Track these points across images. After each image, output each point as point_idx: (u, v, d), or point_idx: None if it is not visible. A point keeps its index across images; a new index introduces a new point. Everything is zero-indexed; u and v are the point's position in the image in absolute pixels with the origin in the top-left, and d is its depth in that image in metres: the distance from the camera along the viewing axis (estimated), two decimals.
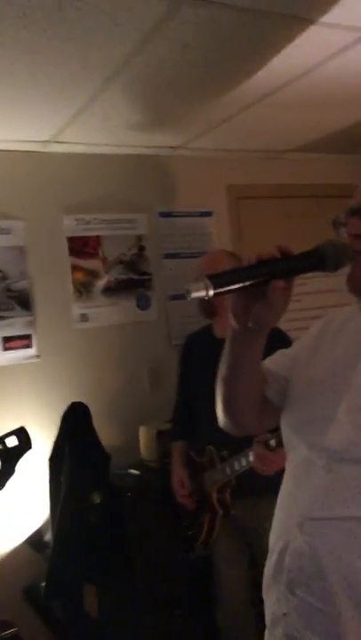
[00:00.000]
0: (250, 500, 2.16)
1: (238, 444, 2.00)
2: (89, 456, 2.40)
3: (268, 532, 2.11)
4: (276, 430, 1.27)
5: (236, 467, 2.10)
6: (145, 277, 3.00)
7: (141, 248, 3.01)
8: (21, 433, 2.09)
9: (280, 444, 1.85)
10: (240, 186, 3.24)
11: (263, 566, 2.23)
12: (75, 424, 2.42)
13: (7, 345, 2.64)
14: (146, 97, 2.23)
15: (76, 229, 2.85)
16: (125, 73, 1.97)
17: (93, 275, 2.88)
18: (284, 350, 1.22)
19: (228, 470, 2.14)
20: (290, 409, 1.11)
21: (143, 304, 2.99)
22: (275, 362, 1.19)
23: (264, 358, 1.15)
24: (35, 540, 2.52)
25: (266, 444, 1.96)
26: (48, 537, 2.45)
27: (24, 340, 2.68)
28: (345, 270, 1.01)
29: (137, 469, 2.65)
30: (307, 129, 2.88)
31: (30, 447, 2.14)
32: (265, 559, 2.23)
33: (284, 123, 2.72)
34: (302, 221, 3.34)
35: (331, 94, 2.37)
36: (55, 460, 2.41)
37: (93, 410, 2.49)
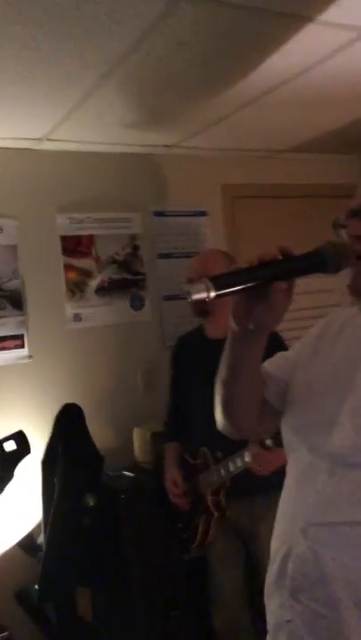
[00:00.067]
0: (245, 500, 2.16)
1: (232, 445, 1.99)
2: (82, 458, 2.37)
3: (263, 532, 2.12)
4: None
5: (232, 468, 2.09)
6: (139, 277, 2.98)
7: (135, 247, 2.98)
8: (20, 437, 2.06)
9: (276, 443, 1.85)
10: (235, 185, 3.23)
11: (259, 566, 2.22)
12: (68, 425, 2.40)
13: None
14: (141, 95, 2.21)
15: (70, 228, 2.82)
16: (121, 70, 1.94)
17: (87, 274, 2.85)
18: (283, 352, 1.21)
19: (222, 471, 2.13)
20: (290, 412, 1.10)
21: (137, 304, 2.97)
22: (274, 364, 1.18)
23: (262, 361, 1.13)
24: (27, 543, 2.49)
25: (262, 444, 1.95)
26: (40, 540, 2.42)
27: (16, 341, 2.65)
28: (342, 271, 1.00)
29: (131, 471, 2.63)
30: (303, 129, 2.87)
31: (29, 451, 2.12)
32: (260, 559, 2.21)
33: (280, 122, 2.71)
34: (297, 221, 3.33)
35: (327, 94, 2.36)
36: (48, 462, 2.38)
37: (86, 411, 2.47)
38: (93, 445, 2.44)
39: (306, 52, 1.95)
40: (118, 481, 2.57)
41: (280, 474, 2.00)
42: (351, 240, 1.02)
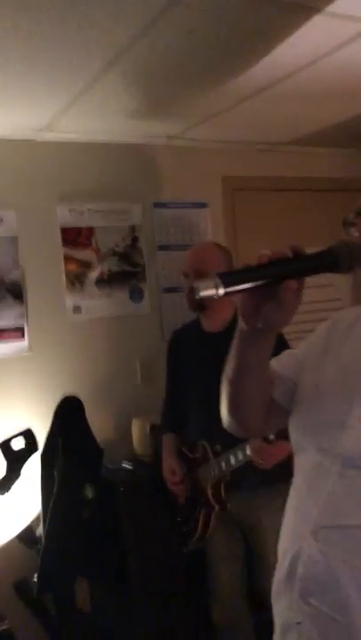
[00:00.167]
0: (245, 493, 2.16)
1: (231, 439, 1.97)
2: (82, 450, 2.37)
3: (264, 526, 2.12)
4: None
5: (233, 461, 2.08)
6: (138, 269, 2.96)
7: (135, 239, 2.96)
8: (28, 435, 2.04)
9: (278, 436, 1.84)
10: (236, 177, 3.21)
11: (258, 560, 2.22)
12: (68, 418, 2.39)
13: None
14: (146, 83, 2.18)
15: (70, 219, 2.80)
16: (126, 59, 1.91)
17: (87, 266, 2.83)
18: (291, 351, 1.20)
19: (223, 465, 2.12)
20: (298, 411, 1.09)
21: (136, 296, 2.95)
22: (282, 363, 1.17)
23: None
24: (26, 536, 2.49)
25: (264, 437, 1.94)
26: (39, 532, 2.42)
27: (16, 332, 2.63)
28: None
29: (130, 463, 2.63)
30: (305, 121, 2.85)
31: (37, 449, 2.09)
32: (261, 553, 2.21)
33: (282, 115, 2.69)
34: (297, 214, 3.32)
35: (333, 87, 2.33)
36: (48, 455, 2.38)
37: (85, 402, 2.46)
38: (93, 438, 2.44)
39: (313, 44, 1.93)
40: (117, 473, 2.57)
41: (282, 467, 2.02)
42: None
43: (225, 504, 2.17)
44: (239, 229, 3.22)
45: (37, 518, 2.46)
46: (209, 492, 2.18)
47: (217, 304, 2.15)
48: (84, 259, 2.82)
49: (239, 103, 2.46)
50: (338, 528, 0.92)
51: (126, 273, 2.92)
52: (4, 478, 2.25)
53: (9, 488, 2.06)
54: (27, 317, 2.66)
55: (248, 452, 2.00)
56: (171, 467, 2.33)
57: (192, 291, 2.18)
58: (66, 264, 2.77)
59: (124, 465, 2.63)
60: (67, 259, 2.78)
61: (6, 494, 2.25)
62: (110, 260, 2.88)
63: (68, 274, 2.78)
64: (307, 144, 3.21)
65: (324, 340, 1.14)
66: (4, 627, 2.29)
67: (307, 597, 0.95)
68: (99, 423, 2.57)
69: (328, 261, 0.94)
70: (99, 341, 2.83)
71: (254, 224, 3.21)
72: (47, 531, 2.29)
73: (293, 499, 1.06)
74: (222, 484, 2.16)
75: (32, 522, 2.52)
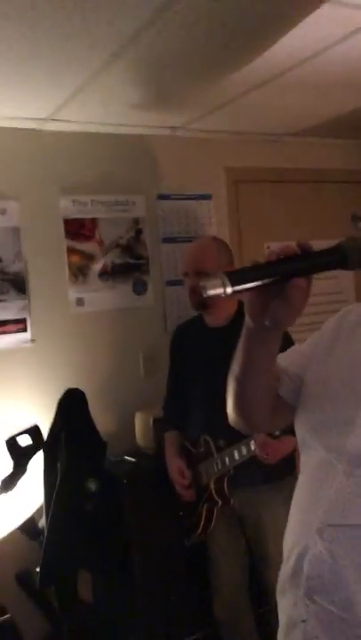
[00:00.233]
0: (248, 488, 2.15)
1: (235, 434, 1.97)
2: (85, 443, 2.36)
3: (267, 521, 2.12)
4: None
5: (237, 456, 2.07)
6: (142, 262, 2.94)
7: (138, 231, 2.94)
8: (35, 431, 2.03)
9: (283, 431, 1.83)
10: (239, 169, 3.18)
11: (260, 555, 2.22)
12: (71, 410, 2.39)
13: (1, 329, 2.58)
14: (150, 75, 2.15)
15: (73, 211, 2.77)
16: (131, 50, 1.89)
17: (90, 258, 2.81)
18: (297, 347, 1.19)
19: (227, 460, 2.11)
20: (305, 408, 1.08)
21: (140, 289, 2.94)
22: (288, 359, 1.16)
23: None
24: (28, 527, 2.50)
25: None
26: (42, 524, 2.43)
27: (19, 324, 2.62)
28: None
29: (133, 456, 2.63)
30: (309, 113, 2.82)
31: (43, 446, 2.09)
32: (263, 548, 2.21)
33: (286, 106, 2.66)
34: (301, 206, 3.30)
35: (339, 78, 2.30)
36: (51, 447, 2.38)
37: (88, 395, 2.45)
38: (96, 431, 2.43)
39: (320, 33, 1.90)
40: (120, 466, 2.57)
41: (286, 462, 2.01)
42: None
43: (228, 499, 2.16)
44: (243, 221, 3.21)
45: (40, 510, 2.47)
46: (212, 487, 2.18)
47: (221, 301, 2.13)
48: (88, 251, 2.80)
49: (244, 94, 2.43)
50: (344, 527, 0.92)
51: (130, 265, 2.91)
52: (10, 475, 2.25)
53: (15, 484, 2.06)
54: (29, 309, 2.65)
55: (252, 447, 1.99)
56: (179, 468, 2.28)
57: (195, 290, 2.17)
58: (69, 256, 2.76)
59: (126, 458, 2.63)
60: (70, 250, 2.76)
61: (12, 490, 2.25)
62: (114, 252, 2.87)
63: (71, 266, 2.76)
64: (312, 135, 3.18)
65: (332, 336, 1.12)
66: (7, 618, 2.31)
67: (312, 595, 0.94)
68: (102, 416, 2.57)
69: (337, 258, 0.93)
70: (102, 334, 2.82)
71: (258, 216, 3.19)
72: (50, 523, 2.29)
73: (299, 496, 1.06)
74: (226, 480, 2.16)
75: (34, 513, 2.53)
